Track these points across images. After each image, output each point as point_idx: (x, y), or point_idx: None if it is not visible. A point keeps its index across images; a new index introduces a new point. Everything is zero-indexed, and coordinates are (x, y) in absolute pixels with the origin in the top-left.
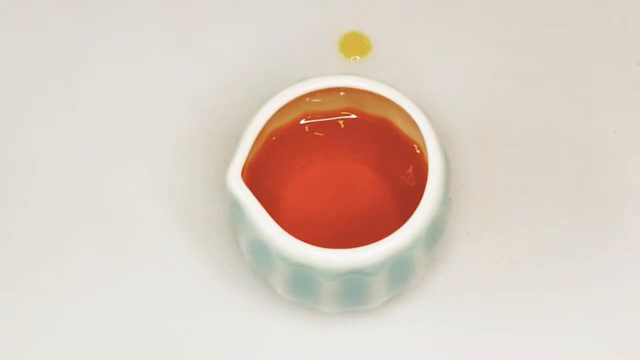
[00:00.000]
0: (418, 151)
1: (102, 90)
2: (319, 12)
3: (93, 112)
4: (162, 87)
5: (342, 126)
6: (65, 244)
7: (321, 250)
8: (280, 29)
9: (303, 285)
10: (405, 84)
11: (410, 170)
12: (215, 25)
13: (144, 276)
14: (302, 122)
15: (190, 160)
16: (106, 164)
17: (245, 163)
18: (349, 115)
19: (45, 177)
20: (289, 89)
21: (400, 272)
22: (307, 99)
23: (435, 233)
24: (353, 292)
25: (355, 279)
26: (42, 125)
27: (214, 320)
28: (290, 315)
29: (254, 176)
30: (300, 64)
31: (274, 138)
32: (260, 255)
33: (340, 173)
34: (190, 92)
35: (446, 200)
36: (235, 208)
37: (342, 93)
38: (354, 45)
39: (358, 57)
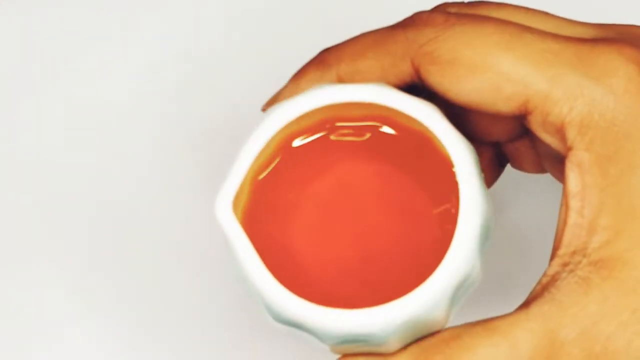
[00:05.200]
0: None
1: (102, 91)
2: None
3: (94, 112)
4: (164, 88)
5: (369, 139)
6: (59, 243)
7: (318, 309)
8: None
9: (298, 337)
10: None
11: (448, 200)
12: (219, 27)
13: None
14: (324, 130)
15: (192, 167)
16: (104, 165)
17: (247, 178)
18: (379, 125)
19: (43, 176)
20: (307, 96)
21: (415, 332)
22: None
23: (466, 287)
24: (358, 347)
25: (361, 340)
26: (40, 123)
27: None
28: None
29: (260, 194)
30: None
31: (293, 143)
32: (250, 295)
33: (362, 205)
34: (192, 93)
35: (485, 243)
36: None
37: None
38: None
39: None
